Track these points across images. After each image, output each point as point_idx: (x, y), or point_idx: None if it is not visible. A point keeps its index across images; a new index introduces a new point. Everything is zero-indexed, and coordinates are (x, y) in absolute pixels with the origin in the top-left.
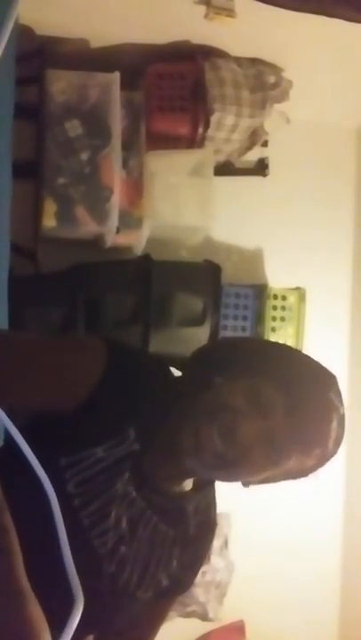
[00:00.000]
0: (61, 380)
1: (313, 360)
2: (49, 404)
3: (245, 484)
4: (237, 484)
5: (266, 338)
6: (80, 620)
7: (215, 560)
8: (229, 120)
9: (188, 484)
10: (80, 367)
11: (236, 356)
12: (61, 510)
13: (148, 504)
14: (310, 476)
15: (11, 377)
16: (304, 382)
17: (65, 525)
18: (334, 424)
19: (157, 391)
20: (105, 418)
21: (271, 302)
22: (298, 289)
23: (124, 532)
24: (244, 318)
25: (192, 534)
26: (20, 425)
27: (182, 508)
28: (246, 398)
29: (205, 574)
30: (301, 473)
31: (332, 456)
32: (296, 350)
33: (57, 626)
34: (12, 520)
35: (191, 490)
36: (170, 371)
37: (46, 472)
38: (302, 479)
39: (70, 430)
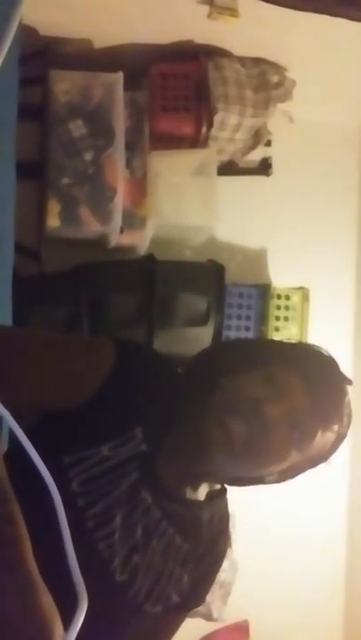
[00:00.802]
0: (68, 377)
1: (309, 343)
2: (55, 401)
3: (271, 480)
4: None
5: (268, 337)
6: (84, 631)
7: None
8: (233, 120)
9: (202, 493)
10: (87, 364)
11: (238, 353)
12: (65, 510)
13: (165, 513)
14: (328, 460)
15: (18, 373)
16: (313, 362)
17: (69, 526)
18: (348, 398)
19: (166, 392)
20: (111, 416)
21: (275, 302)
22: (301, 288)
23: (138, 541)
24: (248, 318)
25: (205, 547)
26: (27, 424)
27: (198, 518)
28: (263, 385)
29: None
30: (322, 456)
31: (346, 432)
32: (287, 340)
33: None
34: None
35: (205, 499)
36: (177, 371)
37: (50, 471)
38: (322, 464)
39: (75, 428)
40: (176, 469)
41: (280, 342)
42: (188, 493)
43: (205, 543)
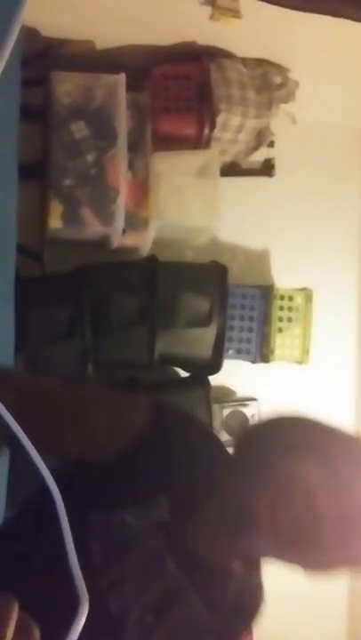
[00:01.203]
0: (103, 432)
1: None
2: (84, 453)
3: (307, 568)
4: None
5: (331, 422)
6: None
7: None
8: (235, 121)
9: (237, 565)
10: (120, 423)
11: (296, 433)
12: (80, 569)
13: (190, 581)
14: None
15: (51, 426)
16: None
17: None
18: None
19: (200, 463)
20: (137, 481)
21: (278, 303)
22: (305, 289)
23: (153, 605)
24: (251, 319)
25: (228, 617)
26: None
27: (224, 587)
28: (320, 474)
29: None
30: None
31: None
32: (341, 427)
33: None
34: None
35: (239, 570)
36: (219, 442)
37: (73, 524)
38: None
39: (102, 486)
40: (210, 541)
41: (342, 430)
42: (221, 563)
43: (229, 613)
